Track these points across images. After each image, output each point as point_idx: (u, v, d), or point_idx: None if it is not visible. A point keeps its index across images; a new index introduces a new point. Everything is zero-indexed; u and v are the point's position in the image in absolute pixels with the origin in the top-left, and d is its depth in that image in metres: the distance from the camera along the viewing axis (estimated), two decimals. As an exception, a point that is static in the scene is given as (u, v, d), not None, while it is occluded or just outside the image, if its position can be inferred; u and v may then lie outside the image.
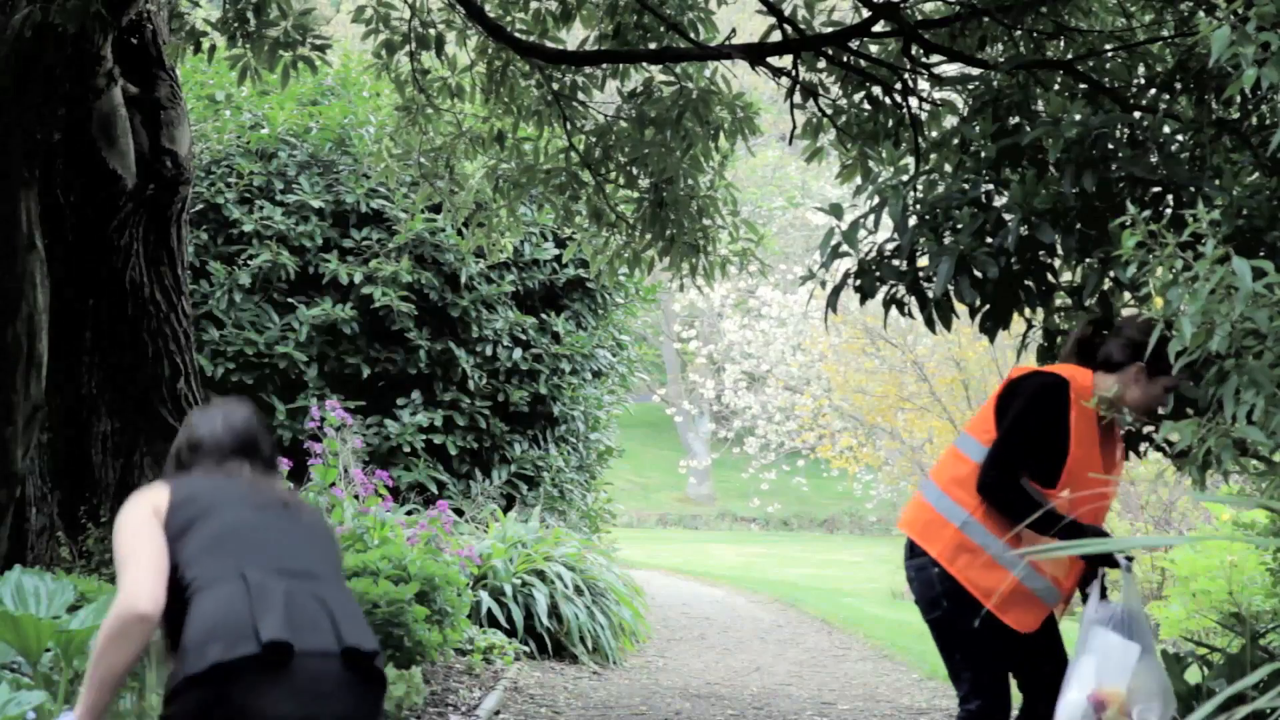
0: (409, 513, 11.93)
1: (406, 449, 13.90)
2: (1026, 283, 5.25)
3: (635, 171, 8.50)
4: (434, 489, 13.77)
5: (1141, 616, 4.24)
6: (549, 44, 8.23)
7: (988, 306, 5.26)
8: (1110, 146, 5.16)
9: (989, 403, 4.61)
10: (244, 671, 2.74)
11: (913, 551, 4.53)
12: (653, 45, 7.96)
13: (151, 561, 2.94)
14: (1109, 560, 4.30)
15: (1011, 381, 4.61)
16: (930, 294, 5.26)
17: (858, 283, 5.38)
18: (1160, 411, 4.51)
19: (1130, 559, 4.30)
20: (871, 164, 7.36)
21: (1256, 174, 5.39)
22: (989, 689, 4.45)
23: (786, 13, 7.53)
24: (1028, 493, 4.36)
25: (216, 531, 2.99)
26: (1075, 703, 4.18)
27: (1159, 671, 4.21)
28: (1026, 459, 4.41)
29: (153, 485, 3.18)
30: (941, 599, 4.44)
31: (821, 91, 7.72)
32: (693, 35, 7.85)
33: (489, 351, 14.27)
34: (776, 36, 7.59)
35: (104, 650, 2.88)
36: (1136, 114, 5.57)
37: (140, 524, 3.02)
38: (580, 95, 8.62)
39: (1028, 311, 5.37)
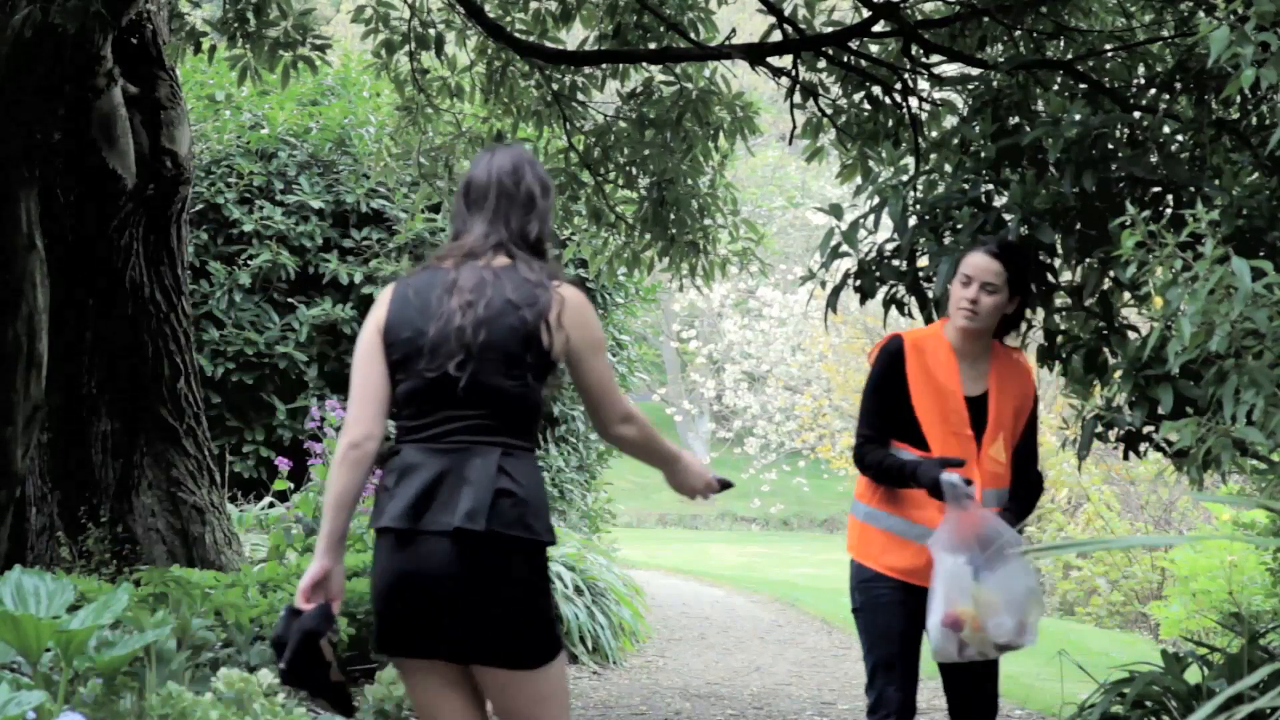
0: (409, 513, 11.93)
1: (406, 449, 13.89)
2: (1026, 283, 5.24)
3: (635, 172, 8.50)
4: (434, 489, 13.76)
5: (970, 534, 4.15)
6: (549, 44, 8.23)
7: (987, 306, 5.26)
8: (1110, 146, 5.16)
9: None
10: (382, 535, 3.26)
11: None
12: (653, 45, 7.97)
13: (365, 393, 3.31)
14: (938, 493, 4.18)
15: None
16: (930, 294, 5.26)
17: (858, 283, 5.38)
18: (966, 305, 4.29)
19: (961, 483, 4.12)
20: (871, 164, 7.36)
21: (1256, 174, 5.40)
22: (898, 676, 4.45)
23: (786, 13, 7.53)
24: (889, 455, 4.31)
25: (406, 390, 3.30)
26: (934, 627, 4.22)
27: (1008, 581, 4.15)
28: (882, 425, 4.35)
29: (384, 293, 3.39)
30: (855, 591, 4.47)
31: (821, 91, 7.72)
32: (693, 35, 7.86)
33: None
34: (776, 36, 7.59)
35: (331, 476, 3.30)
36: (1136, 114, 5.57)
37: (362, 352, 3.35)
38: (580, 95, 8.63)
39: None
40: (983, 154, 5.40)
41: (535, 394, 3.30)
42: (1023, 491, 4.39)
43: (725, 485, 3.64)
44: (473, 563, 3.18)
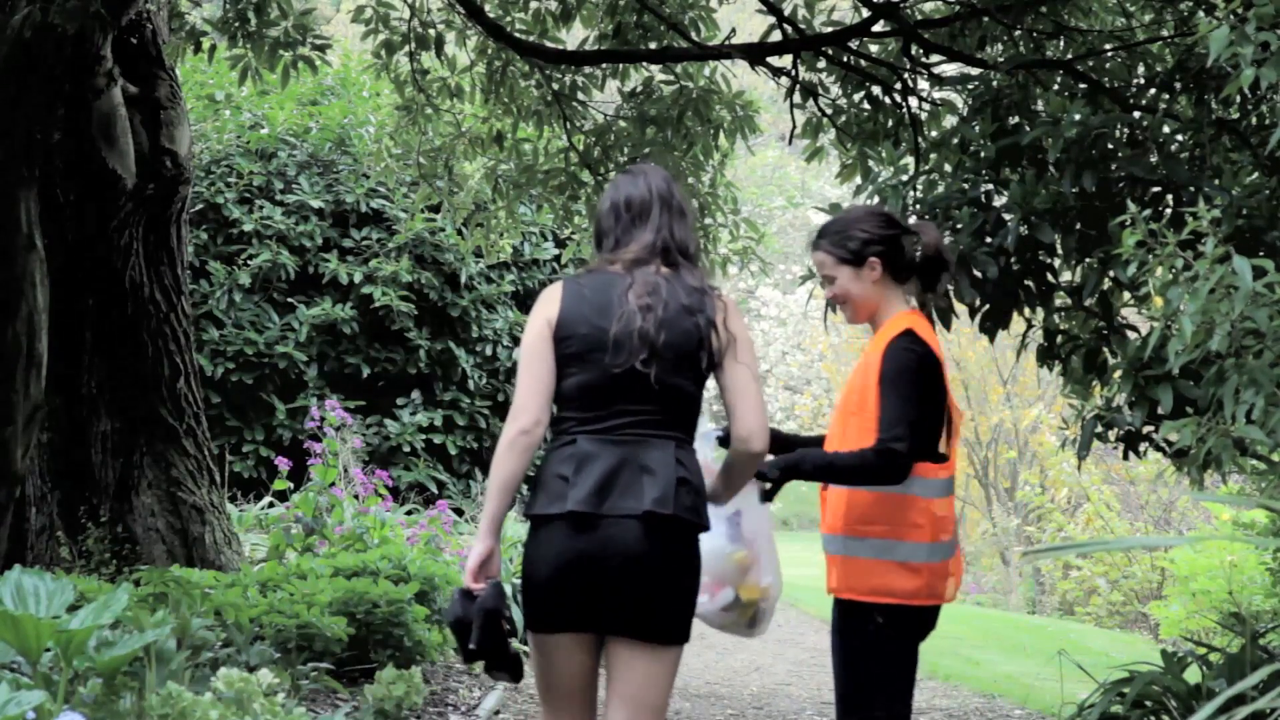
0: (409, 513, 11.93)
1: (406, 449, 13.90)
2: (1026, 283, 5.25)
3: (635, 171, 8.49)
4: (434, 489, 13.77)
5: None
6: (549, 44, 8.23)
7: (988, 306, 5.26)
8: (1110, 146, 5.16)
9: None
10: (563, 518, 3.44)
11: None
12: (653, 45, 7.97)
13: (535, 383, 3.50)
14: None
15: None
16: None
17: (858, 282, 5.37)
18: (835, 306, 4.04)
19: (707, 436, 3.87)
20: (871, 164, 7.36)
21: (1256, 174, 5.39)
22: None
23: (786, 12, 7.53)
24: None
25: (577, 383, 3.50)
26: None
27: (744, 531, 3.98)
28: None
29: (551, 291, 3.58)
30: None
31: (821, 91, 7.72)
32: (693, 35, 7.86)
33: (489, 351, 14.26)
34: (776, 36, 7.60)
35: (498, 460, 3.49)
36: (1136, 114, 5.57)
37: (532, 344, 3.54)
38: (580, 95, 8.63)
39: (1027, 311, 5.37)
40: (983, 154, 5.40)
41: (700, 391, 3.57)
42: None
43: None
44: (656, 544, 3.44)
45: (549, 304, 3.56)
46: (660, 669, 3.54)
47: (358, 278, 13.77)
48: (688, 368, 3.51)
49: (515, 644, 3.59)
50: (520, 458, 3.48)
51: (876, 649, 3.88)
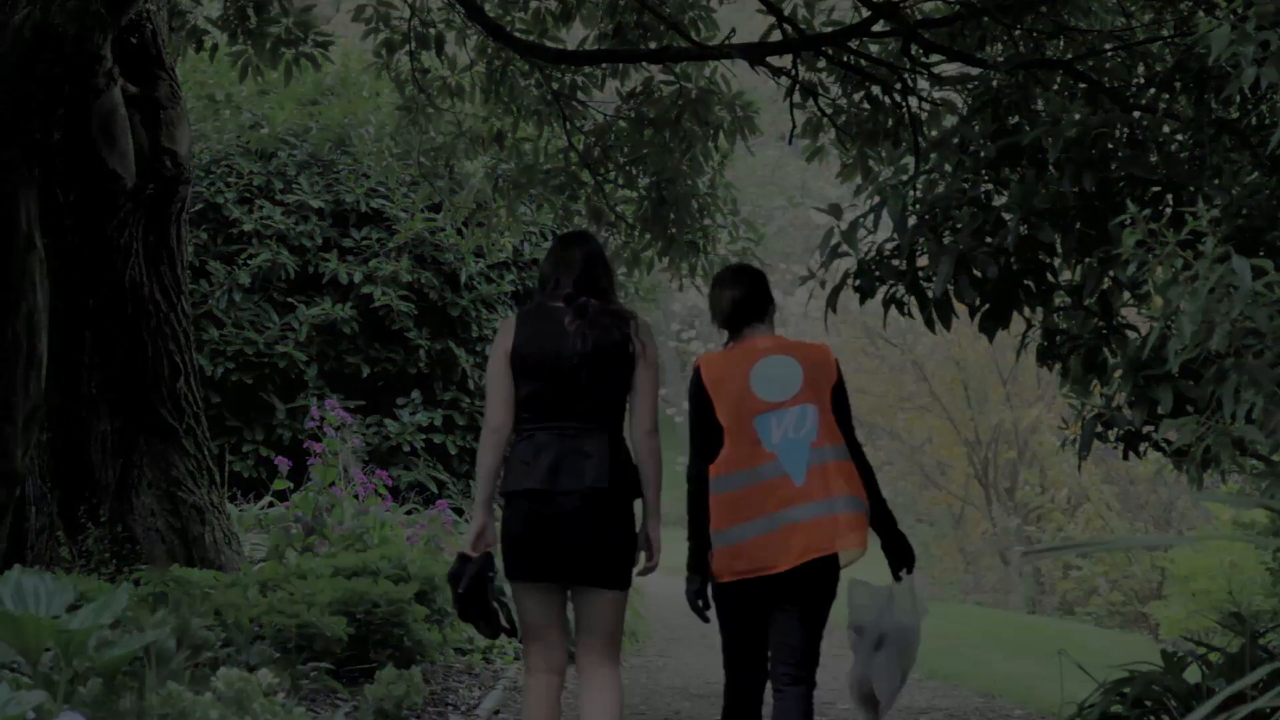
0: (409, 512, 11.93)
1: (406, 448, 13.91)
2: (1026, 282, 5.24)
3: (635, 171, 8.51)
4: (434, 488, 13.77)
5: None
6: (549, 44, 8.24)
7: (987, 306, 5.26)
8: (1110, 146, 5.16)
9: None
10: (525, 493, 4.51)
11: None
12: (653, 45, 7.97)
13: (499, 397, 4.61)
14: None
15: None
16: (930, 294, 5.25)
17: (857, 283, 5.37)
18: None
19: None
20: (871, 164, 7.36)
21: (1256, 174, 5.39)
22: None
23: (786, 12, 7.53)
24: None
25: (530, 392, 4.57)
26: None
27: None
28: None
29: (507, 324, 4.70)
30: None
31: (821, 91, 7.72)
32: (693, 34, 7.86)
33: (489, 351, 14.26)
34: (776, 36, 7.60)
35: (480, 455, 4.63)
36: (1136, 114, 5.57)
37: (495, 368, 4.65)
38: (580, 95, 8.63)
39: (1027, 311, 5.37)
40: (983, 154, 5.39)
41: (625, 392, 4.61)
42: None
43: (649, 570, 4.75)
44: (595, 510, 4.50)
45: (507, 336, 4.65)
46: (610, 606, 4.59)
47: (358, 277, 13.78)
48: (611, 374, 4.56)
49: (500, 605, 4.60)
50: (495, 451, 4.58)
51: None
